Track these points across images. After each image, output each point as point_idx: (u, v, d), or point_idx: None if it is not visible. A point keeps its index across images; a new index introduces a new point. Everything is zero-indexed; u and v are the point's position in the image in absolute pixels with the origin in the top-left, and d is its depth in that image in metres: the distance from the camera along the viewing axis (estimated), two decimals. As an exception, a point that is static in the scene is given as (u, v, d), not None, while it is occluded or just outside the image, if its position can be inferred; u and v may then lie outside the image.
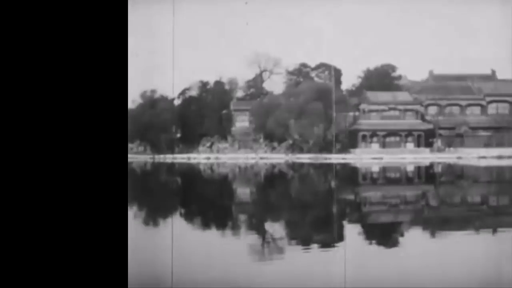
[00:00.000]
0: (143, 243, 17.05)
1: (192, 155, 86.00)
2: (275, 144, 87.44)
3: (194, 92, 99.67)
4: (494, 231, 20.29)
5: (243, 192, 37.86)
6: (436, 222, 22.92)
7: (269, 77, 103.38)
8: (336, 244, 17.63)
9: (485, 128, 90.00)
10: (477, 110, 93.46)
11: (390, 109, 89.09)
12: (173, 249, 16.26)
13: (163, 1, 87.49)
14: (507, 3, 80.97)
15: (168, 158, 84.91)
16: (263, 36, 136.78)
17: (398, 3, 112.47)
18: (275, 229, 21.03)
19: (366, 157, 79.62)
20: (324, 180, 48.67)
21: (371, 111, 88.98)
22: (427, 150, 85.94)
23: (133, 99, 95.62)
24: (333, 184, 44.57)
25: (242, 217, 24.82)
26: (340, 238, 19.15)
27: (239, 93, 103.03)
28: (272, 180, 49.85)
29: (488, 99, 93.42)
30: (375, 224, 23.01)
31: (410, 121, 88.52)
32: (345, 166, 67.44)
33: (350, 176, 53.77)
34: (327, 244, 17.60)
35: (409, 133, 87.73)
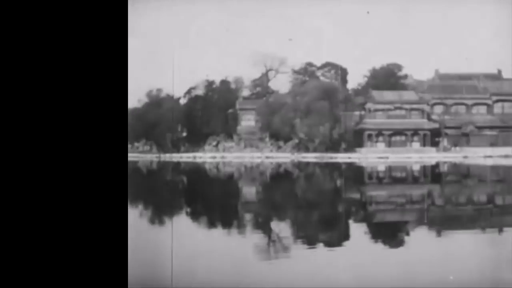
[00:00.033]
0: (143, 243, 17.06)
1: (198, 154, 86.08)
2: (281, 143, 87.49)
3: (200, 91, 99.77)
4: (500, 230, 20.25)
5: (248, 191, 37.85)
6: (442, 221, 22.89)
7: (275, 76, 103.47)
8: (341, 243, 17.64)
9: (491, 127, 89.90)
10: (483, 109, 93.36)
11: (396, 108, 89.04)
12: (177, 248, 16.27)
13: (164, 1, 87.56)
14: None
15: (174, 157, 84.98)
16: (266, 36, 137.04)
17: (398, 3, 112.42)
18: (281, 228, 21.02)
19: (372, 156, 79.56)
20: (330, 179, 48.64)
21: (377, 110, 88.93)
22: (433, 149, 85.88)
23: (139, 98, 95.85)
24: (339, 183, 44.54)
25: (248, 216, 24.82)
26: (346, 237, 19.15)
27: (245, 92, 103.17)
28: (278, 179, 49.83)
29: (494, 98, 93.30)
30: (380, 223, 23.00)
31: (416, 121, 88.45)
32: (351, 165, 67.39)
33: (356, 175, 53.72)
34: (332, 243, 17.60)
35: (415, 132, 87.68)
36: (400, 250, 16.66)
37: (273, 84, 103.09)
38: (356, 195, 34.31)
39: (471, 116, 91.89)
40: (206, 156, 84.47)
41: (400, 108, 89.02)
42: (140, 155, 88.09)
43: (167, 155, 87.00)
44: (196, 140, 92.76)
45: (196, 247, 16.61)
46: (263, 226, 21.51)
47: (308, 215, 24.70)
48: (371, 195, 34.38)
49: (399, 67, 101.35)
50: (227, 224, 21.67)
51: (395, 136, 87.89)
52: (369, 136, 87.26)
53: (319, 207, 28.20)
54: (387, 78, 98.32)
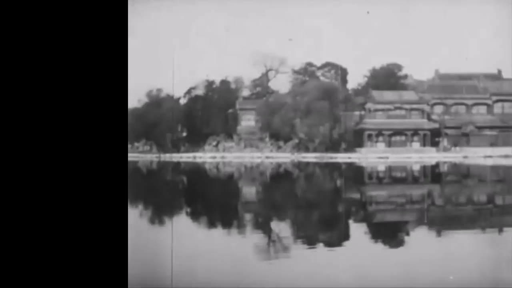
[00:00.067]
0: (143, 243, 17.06)
1: (197, 154, 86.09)
2: (281, 143, 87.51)
3: (200, 91, 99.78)
4: (500, 230, 20.25)
5: (248, 191, 37.85)
6: (442, 221, 22.90)
7: (275, 76, 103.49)
8: (341, 243, 17.64)
9: (491, 127, 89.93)
10: (483, 109, 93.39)
11: (396, 108, 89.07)
12: (177, 248, 16.28)
13: (164, 1, 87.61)
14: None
15: (174, 157, 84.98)
16: (266, 36, 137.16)
17: (398, 2, 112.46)
18: (281, 228, 21.03)
19: (372, 156, 79.58)
20: (330, 179, 48.65)
21: (377, 110, 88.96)
22: (433, 149, 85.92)
23: (139, 98, 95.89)
24: (338, 183, 44.55)
25: (248, 216, 24.83)
26: (346, 237, 19.15)
27: (245, 92, 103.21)
28: (278, 179, 49.85)
29: (494, 98, 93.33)
30: (380, 223, 23.01)
31: (416, 121, 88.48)
32: (351, 165, 67.41)
33: (356, 175, 53.73)
34: (332, 243, 17.60)
35: (415, 132, 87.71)
36: (400, 250, 16.66)
37: (273, 84, 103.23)
38: (356, 195, 34.33)
39: (471, 116, 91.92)
40: (206, 156, 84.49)
41: (400, 108, 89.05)
42: (140, 155, 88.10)
43: (167, 155, 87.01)
44: (196, 140, 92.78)
45: (196, 247, 16.62)
46: (263, 226, 21.52)
47: (308, 215, 24.71)
48: (371, 195, 34.40)
49: (399, 67, 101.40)
50: (227, 224, 21.67)
51: (395, 136, 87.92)
52: (369, 136, 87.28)
53: (319, 207, 28.21)
54: (387, 78, 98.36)
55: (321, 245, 17.40)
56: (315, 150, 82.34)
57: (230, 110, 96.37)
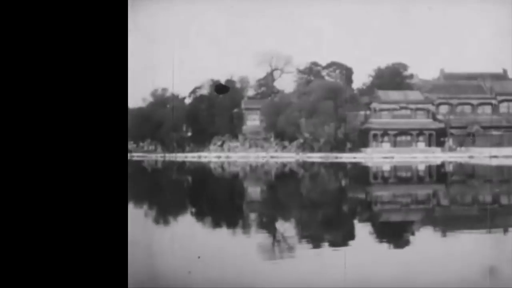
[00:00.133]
0: (143, 243, 17.04)
1: (203, 154, 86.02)
2: (286, 143, 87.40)
3: (205, 91, 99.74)
4: (506, 230, 20.21)
5: (253, 191, 37.84)
6: (447, 221, 22.85)
7: (280, 76, 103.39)
8: (346, 243, 17.62)
9: (496, 127, 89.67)
10: (488, 109, 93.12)
11: (401, 108, 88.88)
12: (180, 248, 16.29)
13: (164, 1, 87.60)
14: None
15: (179, 156, 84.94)
16: (266, 36, 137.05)
17: (398, 2, 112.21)
18: (286, 228, 21.01)
19: (377, 156, 79.45)
20: (335, 179, 48.60)
21: (382, 110, 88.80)
22: (438, 149, 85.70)
23: (144, 97, 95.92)
24: (344, 183, 44.51)
25: (253, 216, 24.82)
26: (351, 237, 19.13)
27: (250, 92, 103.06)
28: (283, 179, 49.81)
29: (500, 98, 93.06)
30: (386, 223, 22.97)
31: (421, 120, 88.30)
32: (356, 165, 67.32)
33: (361, 175, 53.65)
34: (337, 243, 17.58)
35: (420, 132, 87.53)
36: (405, 250, 16.63)
37: (278, 84, 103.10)
38: (361, 195, 34.28)
39: (477, 116, 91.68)
40: (211, 156, 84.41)
41: (405, 108, 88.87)
42: (145, 154, 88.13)
43: (172, 154, 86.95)
44: (201, 140, 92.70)
45: (199, 247, 16.60)
46: (268, 225, 21.50)
47: (313, 215, 24.69)
48: (376, 195, 34.34)
49: (404, 67, 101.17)
50: (232, 224, 21.66)
51: (400, 136, 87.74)
52: (375, 136, 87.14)
53: (324, 207, 28.18)
54: (393, 77, 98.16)
55: (326, 245, 17.37)
56: (320, 150, 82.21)
57: (235, 110, 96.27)
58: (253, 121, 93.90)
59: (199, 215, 25.07)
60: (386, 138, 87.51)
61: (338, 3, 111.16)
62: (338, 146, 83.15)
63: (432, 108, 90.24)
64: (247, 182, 45.83)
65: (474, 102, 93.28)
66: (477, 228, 20.83)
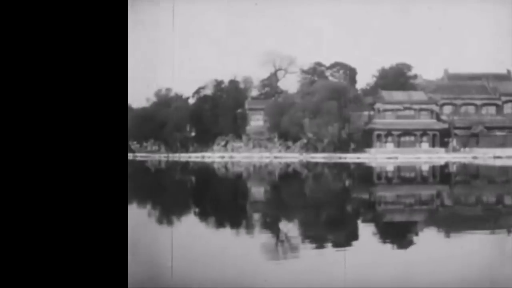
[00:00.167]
0: (143, 243, 17.04)
1: (206, 154, 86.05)
2: (290, 143, 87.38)
3: (208, 91, 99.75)
4: (509, 231, 20.18)
5: (257, 191, 37.85)
6: (451, 222, 22.82)
7: (284, 76, 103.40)
8: (350, 243, 17.60)
9: (500, 128, 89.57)
10: (492, 109, 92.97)
11: (405, 108, 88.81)
12: (182, 248, 16.29)
13: (164, 1, 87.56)
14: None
15: (182, 157, 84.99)
16: (266, 36, 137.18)
17: (398, 2, 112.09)
18: (289, 228, 21.00)
19: (381, 157, 79.41)
20: (339, 179, 48.57)
21: (386, 110, 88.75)
22: (442, 149, 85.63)
23: (148, 97, 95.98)
24: (347, 183, 44.48)
25: (256, 216, 24.81)
26: (354, 237, 19.11)
27: (254, 92, 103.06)
28: (286, 179, 49.80)
29: (504, 98, 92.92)
30: (389, 223, 22.94)
31: (425, 121, 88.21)
32: (359, 165, 67.28)
33: (364, 175, 53.62)
34: (341, 243, 17.56)
35: (424, 132, 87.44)
36: (408, 251, 16.60)
37: (282, 84, 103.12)
38: (365, 195, 34.25)
39: (481, 116, 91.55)
40: (214, 156, 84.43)
41: (409, 108, 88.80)
42: (148, 154, 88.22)
43: (176, 154, 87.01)
44: (205, 140, 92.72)
45: (203, 247, 16.60)
46: (271, 226, 21.49)
47: (317, 215, 24.67)
48: (380, 195, 34.31)
49: (408, 67, 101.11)
50: (235, 224, 21.65)
51: (404, 136, 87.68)
52: (378, 136, 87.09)
53: (328, 207, 28.16)
54: (396, 78, 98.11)
55: (329, 245, 17.36)
56: (323, 150, 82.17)
57: (239, 110, 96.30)
58: (256, 121, 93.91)
59: (203, 215, 25.08)
60: (390, 139, 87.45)
61: (338, 3, 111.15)
62: (341, 146, 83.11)
63: (436, 108, 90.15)
64: (250, 182, 45.83)
65: (478, 102, 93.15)
66: (481, 229, 20.80)
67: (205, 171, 58.93)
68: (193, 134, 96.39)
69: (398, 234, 19.76)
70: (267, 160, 77.98)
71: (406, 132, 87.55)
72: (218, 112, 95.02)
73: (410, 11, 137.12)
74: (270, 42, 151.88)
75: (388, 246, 17.66)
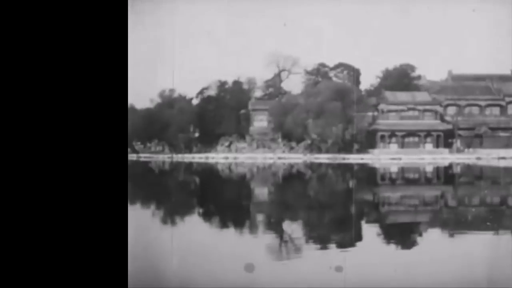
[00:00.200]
0: (143, 244, 17.03)
1: (210, 155, 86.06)
2: (293, 144, 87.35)
3: (212, 92, 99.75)
4: (514, 232, 20.17)
5: (261, 192, 37.83)
6: (455, 223, 22.79)
7: (288, 77, 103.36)
8: (353, 244, 17.58)
9: (504, 129, 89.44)
10: (496, 110, 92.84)
11: (409, 109, 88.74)
12: (184, 248, 16.29)
13: (164, 1, 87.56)
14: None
15: (186, 157, 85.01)
16: (267, 36, 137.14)
17: (398, 2, 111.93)
18: (293, 229, 20.99)
19: (385, 158, 79.35)
20: (343, 180, 48.53)
21: (390, 111, 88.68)
22: (446, 150, 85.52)
23: (152, 98, 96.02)
24: (351, 184, 44.45)
25: (260, 217, 24.81)
26: (358, 238, 19.09)
27: (258, 93, 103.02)
28: (290, 180, 49.78)
29: (508, 99, 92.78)
30: (393, 224, 22.92)
31: (429, 122, 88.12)
32: (363, 166, 67.24)
33: (368, 176, 53.58)
34: (345, 244, 17.54)
35: (428, 133, 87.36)
36: (412, 252, 16.59)
37: (286, 85, 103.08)
38: (369, 196, 34.21)
39: (485, 117, 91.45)
40: (218, 157, 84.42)
41: (413, 109, 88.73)
42: (152, 155, 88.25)
43: (180, 155, 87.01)
44: (209, 141, 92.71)
45: (207, 248, 16.60)
46: (275, 226, 21.48)
47: (320, 216, 24.65)
48: (383, 196, 34.28)
49: (412, 68, 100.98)
50: (239, 225, 21.65)
51: (408, 137, 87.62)
52: (382, 137, 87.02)
53: (332, 208, 28.14)
54: (400, 78, 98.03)
55: (333, 246, 17.35)
56: (327, 151, 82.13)
57: (243, 111, 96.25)
58: (260, 122, 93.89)
59: (206, 216, 25.08)
60: (393, 139, 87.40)
61: (338, 3, 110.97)
62: (345, 147, 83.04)
63: (440, 109, 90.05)
64: (254, 183, 45.83)
65: (482, 103, 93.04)
66: (485, 230, 20.76)
67: (209, 172, 58.93)
68: (196, 134, 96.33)
69: (402, 235, 19.74)
70: (271, 161, 77.97)
71: (410, 133, 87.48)
72: (222, 112, 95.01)
73: (410, 11, 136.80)
74: (270, 42, 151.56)
75: (392, 246, 17.65)
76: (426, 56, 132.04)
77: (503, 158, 78.93)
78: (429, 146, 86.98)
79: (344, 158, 78.30)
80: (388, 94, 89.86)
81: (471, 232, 20.32)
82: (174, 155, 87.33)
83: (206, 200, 31.79)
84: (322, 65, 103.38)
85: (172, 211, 25.95)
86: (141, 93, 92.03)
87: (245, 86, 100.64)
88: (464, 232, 20.18)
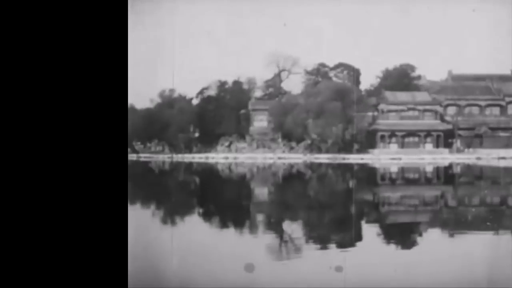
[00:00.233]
0: (143, 244, 17.03)
1: (210, 155, 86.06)
2: (293, 144, 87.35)
3: (212, 92, 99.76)
4: (514, 232, 20.17)
5: (261, 192, 37.83)
6: (455, 223, 22.79)
7: (288, 77, 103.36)
8: (353, 244, 17.58)
9: (504, 129, 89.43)
10: (496, 110, 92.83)
11: (409, 109, 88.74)
12: (184, 248, 16.29)
13: (164, 1, 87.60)
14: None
15: (186, 157, 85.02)
16: (267, 36, 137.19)
17: (398, 2, 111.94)
18: (293, 229, 20.99)
19: (385, 158, 79.35)
20: (343, 180, 48.53)
21: (390, 111, 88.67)
22: (446, 150, 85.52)
23: (152, 98, 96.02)
24: (351, 184, 44.44)
25: (260, 217, 24.80)
26: (358, 238, 19.09)
27: (258, 93, 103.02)
28: (290, 180, 49.78)
29: (508, 99, 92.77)
30: (393, 224, 22.91)
31: (429, 122, 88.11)
32: (363, 166, 67.24)
33: (368, 176, 53.58)
34: (345, 244, 17.54)
35: (428, 133, 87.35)
36: (412, 252, 16.59)
37: (286, 85, 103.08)
38: (369, 196, 34.21)
39: (485, 117, 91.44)
40: (218, 157, 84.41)
41: (413, 109, 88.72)
42: (152, 155, 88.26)
43: (180, 155, 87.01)
44: (209, 141, 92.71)
45: (207, 248, 16.60)
46: (275, 226, 21.48)
47: (320, 216, 24.65)
48: (383, 196, 34.27)
49: (412, 68, 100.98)
50: (239, 225, 21.65)
51: (408, 137, 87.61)
52: (382, 137, 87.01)
53: (331, 208, 28.14)
54: (400, 78, 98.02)
55: (333, 246, 17.34)
56: (327, 151, 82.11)
57: (243, 111, 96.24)
58: (260, 122, 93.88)
59: (206, 216, 25.08)
60: (393, 139, 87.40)
61: (338, 3, 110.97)
62: (345, 147, 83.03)
63: (440, 109, 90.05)
64: (254, 183, 45.83)
65: (482, 103, 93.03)
66: (485, 230, 20.76)
67: (209, 172, 58.92)
68: (196, 134, 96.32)
69: (402, 235, 19.74)
70: (270, 161, 77.98)
71: (410, 133, 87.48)
72: (222, 112, 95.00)
73: (410, 11, 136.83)
74: (270, 42, 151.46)
75: (392, 246, 17.65)
76: (426, 56, 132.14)
77: (503, 158, 78.92)
78: (429, 146, 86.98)
79: (344, 158, 78.30)
80: (388, 94, 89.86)
81: (471, 232, 20.32)
82: (174, 155, 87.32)
83: (206, 200, 31.79)
84: (322, 65, 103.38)
85: (172, 211, 25.95)
86: (141, 93, 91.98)
87: (245, 86, 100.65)
88: (464, 232, 20.18)
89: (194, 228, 20.79)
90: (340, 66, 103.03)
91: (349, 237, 19.21)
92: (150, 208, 27.24)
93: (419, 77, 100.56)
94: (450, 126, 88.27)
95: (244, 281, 12.64)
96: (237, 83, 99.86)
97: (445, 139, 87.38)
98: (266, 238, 18.29)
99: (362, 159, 78.80)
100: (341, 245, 17.33)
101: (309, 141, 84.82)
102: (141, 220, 21.97)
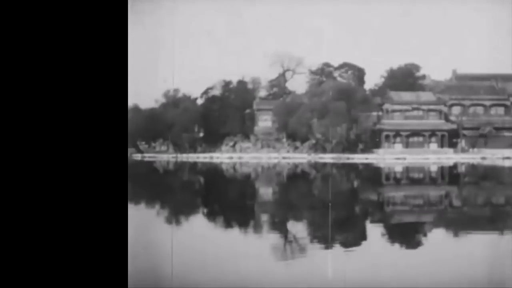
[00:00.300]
0: (143, 244, 17.02)
1: (214, 155, 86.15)
2: (298, 143, 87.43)
3: (217, 92, 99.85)
4: (518, 232, 20.12)
5: (265, 191, 37.83)
6: (460, 223, 22.75)
7: (292, 77, 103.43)
8: (358, 244, 17.57)
9: (509, 129, 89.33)
10: (501, 110, 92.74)
11: (414, 109, 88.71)
12: (185, 248, 16.29)
13: (164, 1, 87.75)
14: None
15: (190, 157, 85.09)
16: (268, 36, 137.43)
17: (398, 2, 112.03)
18: (298, 228, 20.98)
19: (389, 157, 79.32)
20: (347, 180, 48.51)
21: (394, 111, 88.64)
22: (451, 150, 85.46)
23: (156, 98, 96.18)
24: (356, 184, 44.40)
25: (264, 217, 24.79)
26: (363, 238, 19.07)
27: (262, 93, 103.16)
28: (295, 179, 49.77)
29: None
30: (398, 224, 22.88)
31: (433, 121, 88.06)
32: (368, 166, 67.20)
33: (373, 176, 53.54)
34: (349, 244, 17.53)
35: (432, 133, 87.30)
36: (416, 252, 16.56)
37: (290, 85, 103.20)
38: (373, 196, 34.19)
39: (489, 117, 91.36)
40: (223, 157, 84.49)
41: (417, 109, 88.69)
42: (157, 155, 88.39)
43: (184, 155, 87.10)
44: (213, 141, 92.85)
45: (207, 248, 16.60)
46: (279, 226, 21.47)
47: (325, 216, 24.63)
48: (388, 196, 34.23)
49: (416, 68, 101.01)
50: (243, 225, 21.64)
51: (412, 137, 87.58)
52: (387, 137, 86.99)
53: (336, 208, 28.12)
54: (405, 78, 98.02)
55: (337, 245, 17.32)
56: (332, 151, 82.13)
57: (247, 111, 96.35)
58: (265, 122, 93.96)
59: (211, 216, 25.09)
60: (398, 139, 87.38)
61: (338, 3, 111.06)
62: (350, 147, 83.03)
63: (444, 109, 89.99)
64: (259, 183, 45.83)
65: (487, 103, 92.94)
66: (490, 230, 20.72)
67: (213, 172, 58.95)
68: (201, 134, 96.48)
69: (406, 235, 19.71)
70: (275, 161, 78.00)
71: (415, 133, 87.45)
72: (227, 112, 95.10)
73: (410, 11, 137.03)
74: (271, 42, 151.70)
75: (397, 246, 17.63)
76: (426, 56, 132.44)
77: (508, 158, 78.82)
78: (433, 146, 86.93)
79: (348, 158, 78.31)
80: (393, 94, 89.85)
81: (476, 232, 20.28)
82: (179, 155, 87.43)
83: (210, 200, 31.81)
84: (327, 65, 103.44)
85: (177, 211, 25.95)
86: (141, 93, 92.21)
87: (250, 86, 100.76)
88: (469, 232, 20.14)
89: (198, 228, 20.79)
90: (345, 66, 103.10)
91: (353, 237, 19.20)
92: (154, 208, 27.25)
93: (423, 77, 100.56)
94: (454, 126, 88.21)
95: (244, 281, 12.63)
96: (241, 83, 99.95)
97: (450, 139, 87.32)
98: (270, 238, 18.28)
99: (366, 159, 78.78)
100: (346, 245, 17.32)
101: (313, 141, 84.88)
102: (141, 220, 21.98)
